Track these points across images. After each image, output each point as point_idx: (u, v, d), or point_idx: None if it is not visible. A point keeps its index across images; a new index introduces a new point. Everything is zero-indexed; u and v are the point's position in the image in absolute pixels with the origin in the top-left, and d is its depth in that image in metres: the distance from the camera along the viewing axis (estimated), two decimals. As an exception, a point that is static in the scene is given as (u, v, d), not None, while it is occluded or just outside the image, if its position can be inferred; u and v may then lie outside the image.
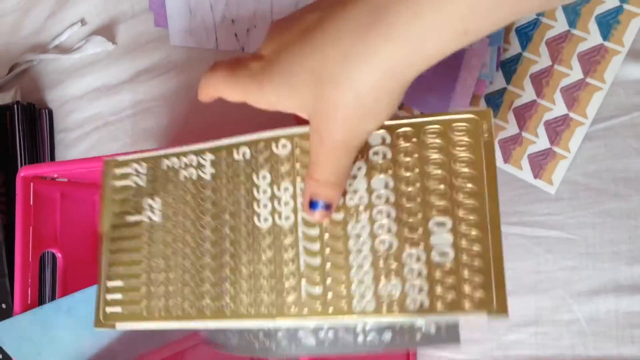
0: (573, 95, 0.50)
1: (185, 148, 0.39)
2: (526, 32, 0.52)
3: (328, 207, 0.32)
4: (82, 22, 0.79)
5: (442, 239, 0.31)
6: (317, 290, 0.33)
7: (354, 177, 0.33)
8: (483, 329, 0.53)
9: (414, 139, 0.32)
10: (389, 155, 0.32)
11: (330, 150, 0.30)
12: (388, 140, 0.32)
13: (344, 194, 0.33)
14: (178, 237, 0.39)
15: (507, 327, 0.52)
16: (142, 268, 0.40)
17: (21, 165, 0.73)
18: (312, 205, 0.32)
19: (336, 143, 0.30)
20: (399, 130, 0.32)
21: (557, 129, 0.51)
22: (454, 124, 0.31)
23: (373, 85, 0.27)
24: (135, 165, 0.41)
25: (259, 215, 0.35)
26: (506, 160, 0.53)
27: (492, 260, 0.30)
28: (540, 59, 0.52)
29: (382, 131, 0.33)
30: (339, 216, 0.33)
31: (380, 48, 0.26)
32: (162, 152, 0.40)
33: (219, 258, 0.37)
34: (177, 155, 0.39)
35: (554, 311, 0.50)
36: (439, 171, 0.32)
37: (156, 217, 0.40)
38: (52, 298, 0.71)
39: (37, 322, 0.52)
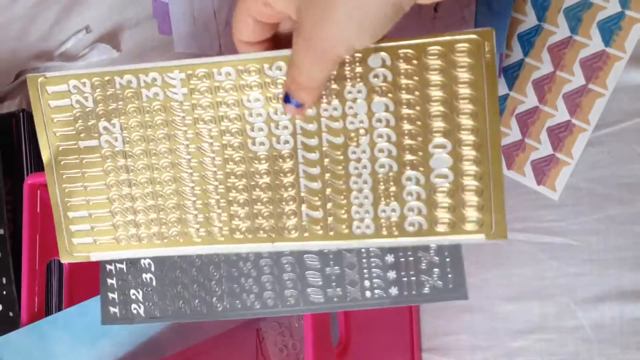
0: (575, 101, 0.50)
1: (143, 65, 0.36)
2: (528, 39, 0.52)
3: (299, 105, 0.32)
4: (87, 29, 0.80)
5: (441, 161, 0.30)
6: (318, 214, 0.33)
7: (354, 100, 0.32)
8: (487, 336, 0.53)
9: (415, 61, 0.31)
10: (389, 77, 0.32)
11: (314, 56, 0.30)
12: (388, 62, 0.32)
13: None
14: (150, 164, 0.36)
15: (511, 333, 0.52)
16: (109, 196, 0.37)
17: (27, 173, 0.74)
18: (286, 99, 0.32)
19: (321, 51, 0.29)
20: (400, 51, 0.31)
21: (560, 135, 0.51)
22: (456, 45, 0.31)
23: None
24: (74, 82, 0.36)
25: (253, 140, 0.34)
26: (509, 166, 0.53)
27: (492, 182, 0.29)
28: (542, 65, 0.52)
29: (382, 53, 0.32)
30: (338, 140, 0.32)
31: None
32: (111, 69, 0.36)
33: (205, 184, 0.35)
34: (134, 72, 0.35)
35: (558, 318, 0.50)
36: (440, 93, 0.31)
37: (117, 143, 0.37)
38: (59, 306, 0.71)
39: (35, 337, 0.52)
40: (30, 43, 0.83)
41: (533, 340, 0.51)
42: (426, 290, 0.33)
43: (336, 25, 0.28)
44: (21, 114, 0.74)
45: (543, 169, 0.51)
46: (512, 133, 0.53)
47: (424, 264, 0.33)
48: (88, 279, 0.63)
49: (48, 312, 0.55)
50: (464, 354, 0.53)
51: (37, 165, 0.76)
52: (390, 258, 0.33)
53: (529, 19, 0.52)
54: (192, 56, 0.71)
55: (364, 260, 0.34)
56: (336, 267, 0.35)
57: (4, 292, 0.68)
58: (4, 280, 0.68)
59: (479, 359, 0.53)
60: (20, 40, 0.84)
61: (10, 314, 0.67)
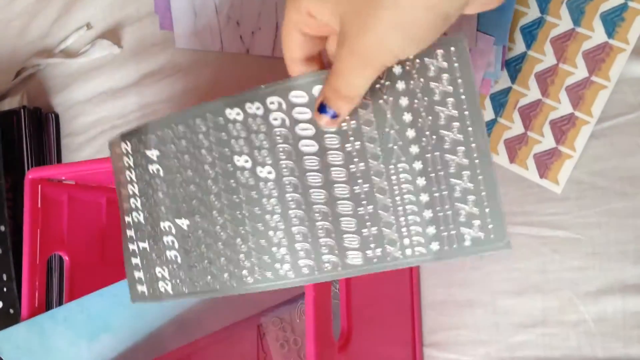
0: (578, 93, 0.50)
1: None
2: (530, 31, 0.52)
3: (335, 116, 0.32)
4: (88, 26, 0.80)
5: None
6: None
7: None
8: (489, 331, 0.52)
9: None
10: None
11: (357, 64, 0.29)
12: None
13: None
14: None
15: (513, 327, 0.51)
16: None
17: (28, 170, 0.74)
18: (321, 109, 0.32)
19: (365, 59, 0.29)
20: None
21: (563, 127, 0.51)
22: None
23: (426, 5, 0.27)
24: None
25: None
26: (512, 160, 0.53)
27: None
28: (545, 57, 0.52)
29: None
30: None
31: None
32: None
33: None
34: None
35: (560, 312, 0.50)
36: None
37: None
38: (60, 301, 0.71)
39: (35, 331, 0.52)
40: (31, 40, 0.83)
41: (535, 334, 0.50)
42: (467, 242, 0.32)
43: (381, 34, 0.28)
44: (22, 111, 0.74)
45: (546, 162, 0.51)
46: (514, 126, 0.53)
47: (462, 217, 0.32)
48: (89, 274, 0.63)
49: (49, 307, 0.54)
50: (466, 349, 0.53)
51: (37, 161, 0.76)
52: (428, 213, 0.33)
53: (532, 12, 0.52)
54: (193, 52, 0.71)
55: (401, 218, 0.34)
56: (374, 228, 0.34)
57: (5, 289, 0.67)
58: (5, 277, 0.68)
59: (480, 353, 0.53)
60: (21, 38, 0.84)
61: (11, 310, 0.66)
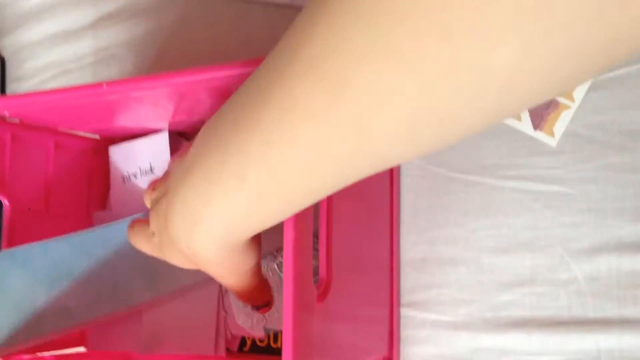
0: (579, 42, 0.47)
1: None
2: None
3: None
4: (42, -39, 0.73)
5: None
6: None
7: None
8: (473, 290, 0.49)
9: None
10: None
11: None
12: None
13: None
14: None
15: (499, 286, 0.48)
16: None
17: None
18: None
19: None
20: None
21: (561, 77, 0.48)
22: None
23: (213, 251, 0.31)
24: None
25: None
26: (504, 111, 0.49)
27: None
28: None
29: None
30: None
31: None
32: None
33: None
34: None
35: (550, 270, 0.47)
36: None
37: None
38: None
39: None
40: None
41: (522, 293, 0.47)
42: None
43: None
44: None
45: (541, 113, 0.48)
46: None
47: None
48: (30, 223, 0.56)
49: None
50: (446, 309, 0.49)
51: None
52: None
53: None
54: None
55: None
56: None
57: None
58: None
59: (462, 313, 0.49)
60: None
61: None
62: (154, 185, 0.38)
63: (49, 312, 0.47)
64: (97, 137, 0.62)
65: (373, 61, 0.19)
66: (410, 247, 0.51)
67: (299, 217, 0.36)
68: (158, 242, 0.36)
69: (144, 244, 0.39)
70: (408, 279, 0.51)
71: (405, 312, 0.51)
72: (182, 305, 0.56)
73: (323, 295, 0.41)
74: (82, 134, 0.61)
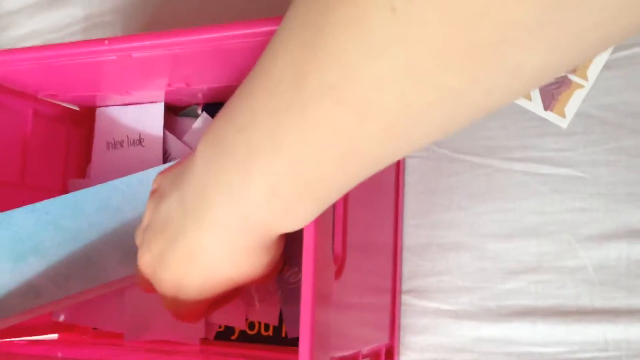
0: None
1: None
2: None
3: None
4: None
5: None
6: None
7: None
8: (475, 277, 0.47)
9: None
10: None
11: None
12: None
13: None
14: None
15: (503, 274, 0.46)
16: None
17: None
18: None
19: None
20: None
21: (574, 55, 0.45)
22: None
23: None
24: None
25: None
26: (512, 90, 0.47)
27: None
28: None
29: None
30: None
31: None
32: None
33: None
34: None
35: (557, 257, 0.44)
36: None
37: None
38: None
39: None
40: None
41: (527, 281, 0.45)
42: None
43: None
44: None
45: (552, 92, 0.46)
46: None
47: None
48: (5, 194, 0.52)
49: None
50: (447, 297, 0.47)
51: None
52: None
53: None
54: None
55: None
56: None
57: None
58: None
59: (463, 302, 0.47)
60: None
61: None
62: (158, 180, 0.38)
63: (13, 291, 0.43)
64: (76, 108, 0.59)
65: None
66: (412, 231, 0.49)
67: None
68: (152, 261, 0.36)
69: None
70: (409, 264, 0.49)
71: (405, 299, 0.48)
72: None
73: (338, 272, 0.39)
74: (62, 103, 0.57)
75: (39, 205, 0.44)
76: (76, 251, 0.44)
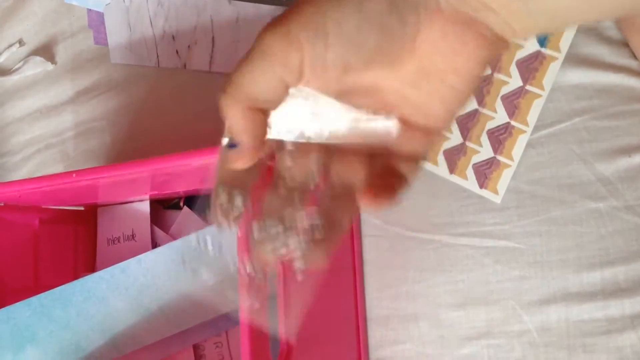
0: (514, 102, 0.48)
1: None
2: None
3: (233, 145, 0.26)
4: (21, 42, 0.74)
5: None
6: None
7: None
8: (435, 344, 0.50)
9: None
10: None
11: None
12: None
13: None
14: None
15: (459, 340, 0.49)
16: None
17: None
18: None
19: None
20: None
21: (500, 137, 0.49)
22: None
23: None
24: None
25: None
26: (452, 171, 0.50)
27: None
28: (480, 67, 0.49)
29: None
30: None
31: None
32: None
33: None
34: None
35: (504, 322, 0.48)
36: None
37: None
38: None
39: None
40: (-39, 58, 0.77)
41: (481, 346, 0.48)
42: None
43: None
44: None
45: (485, 172, 0.49)
46: (453, 137, 0.50)
47: None
48: (19, 298, 0.58)
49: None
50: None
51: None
52: None
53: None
54: (128, 67, 0.67)
55: None
56: None
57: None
58: None
59: (427, 367, 0.50)
60: (-49, 55, 0.78)
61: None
62: None
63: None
64: (81, 208, 0.63)
65: None
66: (376, 303, 0.52)
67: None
68: None
69: None
70: (375, 335, 0.52)
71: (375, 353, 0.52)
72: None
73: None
74: (66, 207, 0.62)
75: (34, 299, 0.48)
76: (67, 339, 0.48)
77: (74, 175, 0.46)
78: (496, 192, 0.48)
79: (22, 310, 0.49)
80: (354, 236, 0.53)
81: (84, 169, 0.52)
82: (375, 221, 0.53)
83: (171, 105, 0.64)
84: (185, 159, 0.41)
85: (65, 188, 0.49)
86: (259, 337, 0.38)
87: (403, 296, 0.51)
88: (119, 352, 0.51)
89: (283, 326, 0.41)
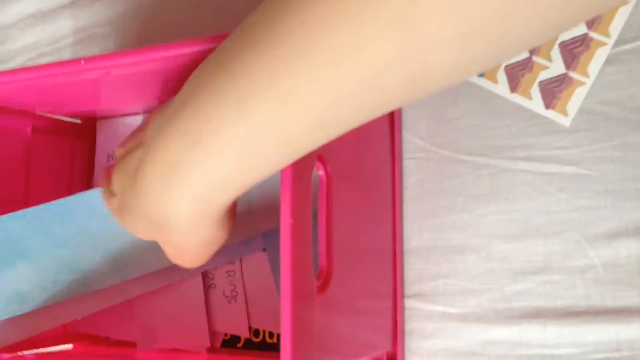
0: (593, 13, 0.43)
1: None
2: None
3: None
4: None
5: None
6: None
7: None
8: (482, 279, 0.44)
9: None
10: None
11: None
12: None
13: None
14: None
15: (511, 275, 0.44)
16: None
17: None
18: None
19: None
20: None
21: (575, 51, 0.43)
22: None
23: (188, 213, 0.27)
24: None
25: None
26: (513, 89, 0.45)
27: None
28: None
29: None
30: None
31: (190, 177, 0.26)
32: None
33: None
34: None
35: (566, 257, 0.42)
36: None
37: None
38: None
39: None
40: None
41: (536, 282, 0.43)
42: None
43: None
44: None
45: (553, 90, 0.44)
46: (517, 50, 0.45)
47: None
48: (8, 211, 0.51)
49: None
50: (454, 300, 0.45)
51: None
52: None
53: None
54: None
55: None
56: None
57: None
58: None
59: (471, 304, 0.44)
60: None
61: None
62: (124, 142, 0.34)
63: None
64: (78, 121, 0.57)
65: None
66: (415, 234, 0.47)
67: (298, 197, 0.32)
68: (118, 204, 0.32)
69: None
70: (413, 268, 0.47)
71: (410, 304, 0.46)
72: (172, 300, 0.51)
73: (323, 286, 0.37)
74: (62, 118, 0.55)
75: (29, 210, 0.42)
76: (64, 257, 0.42)
77: (82, 62, 0.39)
78: (565, 113, 0.43)
79: (15, 222, 0.42)
80: (395, 158, 0.47)
81: (94, 55, 0.45)
82: (419, 142, 0.47)
83: (184, 14, 0.57)
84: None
85: (65, 84, 0.42)
86: (301, 244, 0.33)
87: (448, 226, 0.46)
88: (122, 277, 0.46)
89: (323, 247, 0.37)
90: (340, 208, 0.39)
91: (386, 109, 0.23)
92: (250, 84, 0.22)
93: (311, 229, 0.34)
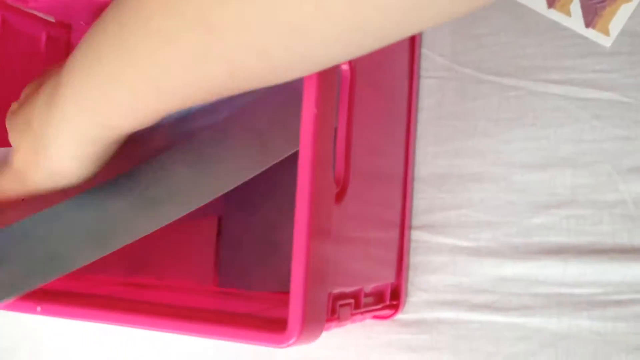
0: None
1: None
2: None
3: None
4: None
5: None
6: None
7: None
8: (501, 211, 0.41)
9: None
10: None
11: None
12: None
13: None
14: None
15: (532, 207, 0.40)
16: None
17: None
18: None
19: None
20: None
21: (624, -36, 0.39)
22: None
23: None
24: None
25: None
26: (551, 4, 0.40)
27: None
28: None
29: None
30: None
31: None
32: None
33: None
34: None
35: (594, 190, 0.39)
36: None
37: None
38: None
39: None
40: None
41: (560, 216, 0.39)
42: None
43: None
44: None
45: (595, 7, 0.39)
46: (558, -39, 0.40)
47: None
48: None
49: None
50: (467, 232, 0.41)
51: None
52: None
53: None
54: None
55: None
56: None
57: None
58: None
59: (485, 238, 0.41)
60: None
61: None
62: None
63: None
64: (52, 19, 0.50)
65: None
66: (429, 160, 0.42)
67: (323, 86, 0.28)
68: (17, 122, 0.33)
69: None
70: (424, 197, 0.42)
71: (418, 235, 0.42)
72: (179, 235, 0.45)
73: (340, 194, 0.32)
74: (35, 12, 0.49)
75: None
76: None
77: None
78: (607, 33, 0.39)
79: None
80: (413, 75, 0.43)
81: None
82: (439, 59, 0.43)
83: None
84: None
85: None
86: (323, 148, 0.29)
87: (466, 152, 0.41)
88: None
89: (342, 152, 0.33)
90: (361, 113, 0.34)
91: (218, 93, 0.25)
92: (113, 63, 0.25)
93: (334, 125, 0.30)
